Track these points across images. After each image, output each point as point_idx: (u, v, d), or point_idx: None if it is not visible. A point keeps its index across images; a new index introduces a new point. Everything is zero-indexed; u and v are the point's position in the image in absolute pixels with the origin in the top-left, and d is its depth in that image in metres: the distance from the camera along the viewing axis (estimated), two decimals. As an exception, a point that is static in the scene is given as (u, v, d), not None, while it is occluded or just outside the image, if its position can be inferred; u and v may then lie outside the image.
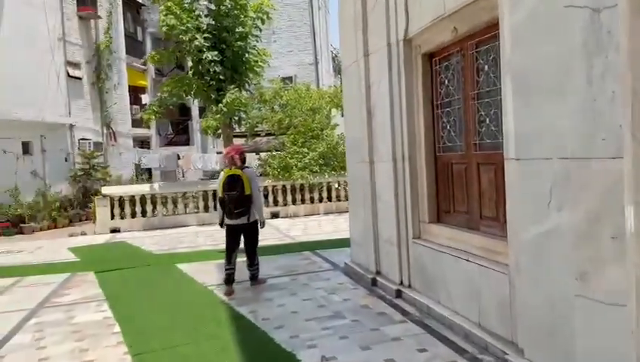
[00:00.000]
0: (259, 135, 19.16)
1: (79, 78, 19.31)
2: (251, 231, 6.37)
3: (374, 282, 6.10)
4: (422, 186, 5.37)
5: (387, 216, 5.82)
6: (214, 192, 13.80)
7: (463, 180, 4.79)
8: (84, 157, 18.31)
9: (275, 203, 14.58)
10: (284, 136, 15.42)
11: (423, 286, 5.24)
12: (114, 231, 13.28)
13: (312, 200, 14.79)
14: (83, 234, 13.44)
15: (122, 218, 13.49)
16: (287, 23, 26.03)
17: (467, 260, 4.38)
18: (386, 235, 5.91)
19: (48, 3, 17.81)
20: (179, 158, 16.33)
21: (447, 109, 5.01)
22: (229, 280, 6.27)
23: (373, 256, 6.20)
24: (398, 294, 5.54)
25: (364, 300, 5.58)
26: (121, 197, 13.47)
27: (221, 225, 6.42)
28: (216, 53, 13.67)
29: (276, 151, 15.00)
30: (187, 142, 26.19)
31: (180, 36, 13.63)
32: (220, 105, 13.26)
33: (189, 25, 13.44)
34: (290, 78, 24.83)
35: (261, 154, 15.94)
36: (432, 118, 5.27)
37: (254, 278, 6.57)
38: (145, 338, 4.76)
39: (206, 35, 13.54)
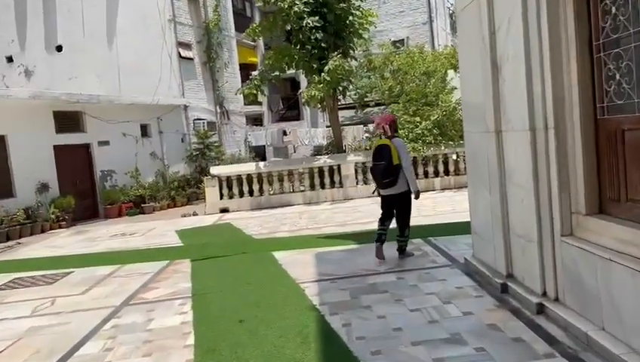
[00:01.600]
0: (369, 105, 17.93)
1: (191, 59, 19.57)
2: (401, 202, 6.30)
3: (505, 288, 4.70)
4: (575, 164, 3.83)
5: (523, 203, 4.36)
6: (320, 169, 13.00)
7: (644, 155, 3.21)
8: (199, 137, 18.62)
9: (386, 178, 13.32)
10: (393, 105, 14.01)
11: (577, 303, 3.77)
12: (223, 211, 13.12)
13: (426, 175, 13.32)
14: (195, 214, 13.49)
15: (230, 198, 13.28)
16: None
17: (657, 278, 2.87)
18: (520, 229, 4.46)
19: (157, -16, 18.07)
20: (285, 134, 15.79)
21: (617, 50, 3.40)
22: (380, 239, 6.34)
23: (503, 254, 4.78)
24: (540, 309, 4.11)
25: (492, 316, 4.24)
26: (228, 177, 13.23)
27: (375, 193, 6.64)
28: (317, 18, 12.63)
29: (385, 122, 13.64)
30: (297, 118, 25.80)
31: (279, 3, 12.80)
32: (323, 74, 12.25)
33: (286, -10, 12.54)
34: (401, 41, 23.12)
35: (369, 125, 14.72)
36: (590, 65, 3.67)
37: (402, 251, 6.45)
38: (215, 357, 3.96)
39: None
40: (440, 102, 13.36)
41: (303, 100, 12.25)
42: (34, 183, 13.56)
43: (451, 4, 30.37)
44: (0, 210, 12.39)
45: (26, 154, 13.43)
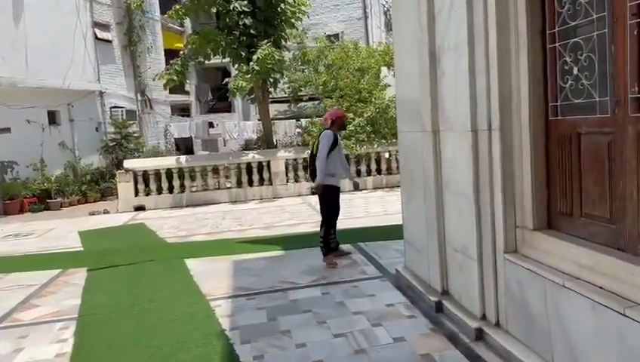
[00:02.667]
0: (302, 100, 17.28)
1: (109, 41, 17.97)
2: (320, 196, 6.09)
3: (440, 307, 4.19)
4: (522, 171, 3.34)
5: (461, 214, 3.85)
6: (248, 165, 12.18)
7: (603, 162, 2.75)
8: (116, 126, 17.11)
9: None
10: (326, 100, 13.43)
11: (522, 331, 3.29)
12: (138, 209, 11.96)
13: (358, 174, 12.85)
14: (105, 212, 12.22)
15: (147, 194, 12.13)
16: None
17: (620, 313, 2.39)
18: (458, 242, 3.95)
19: (71, -42, 16.36)
20: (211, 126, 14.79)
21: (576, 40, 2.91)
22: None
23: (438, 269, 4.27)
24: (479, 335, 3.61)
25: (426, 343, 3.69)
26: (145, 171, 12.07)
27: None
28: (245, 2, 11.74)
29: (317, 117, 13.05)
30: (229, 109, 24.65)
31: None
32: (252, 63, 11.40)
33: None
34: (336, 36, 22.62)
35: (302, 120, 14.07)
36: (542, 57, 3.18)
37: (323, 253, 6.08)
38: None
39: (233, -18, 11.63)
40: (374, 99, 12.93)
41: (230, 90, 11.33)
42: None
43: (386, 1, 30.40)
44: None
45: None
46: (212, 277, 5.76)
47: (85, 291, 5.62)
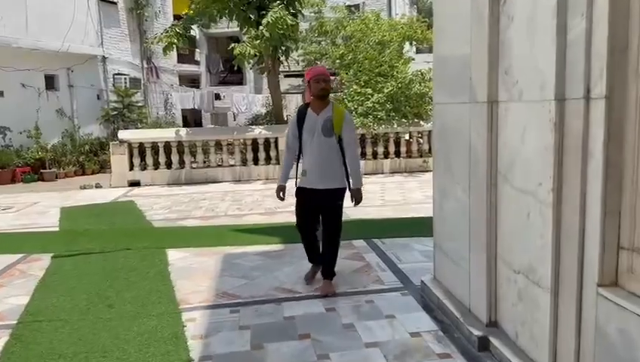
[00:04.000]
0: (318, 74, 15.96)
1: (114, 3, 16.82)
2: (333, 203, 4.27)
3: (484, 344, 3.07)
4: (638, 164, 2.17)
5: (528, 220, 2.69)
6: (253, 142, 11.07)
7: None
8: (118, 94, 16.08)
9: (329, 157, 11.59)
10: (343, 74, 12.20)
11: (622, 407, 2.16)
12: (133, 184, 10.96)
13: (374, 156, 11.68)
14: (98, 186, 11.24)
15: (143, 169, 11.11)
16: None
17: None
18: (519, 260, 2.81)
19: None
20: (218, 98, 13.67)
21: None
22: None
23: (484, 291, 3.14)
24: (549, 400, 2.49)
25: (470, 404, 2.58)
26: (141, 143, 11.02)
27: None
28: (257, -41, 10.49)
29: (333, 92, 11.83)
30: (241, 82, 23.45)
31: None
32: (261, 27, 10.19)
33: None
34: (356, 7, 21.17)
35: (314, 95, 12.83)
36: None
37: (330, 278, 4.27)
38: None
39: None
40: (395, 73, 11.66)
41: (234, 56, 10.15)
42: None
43: (412, -27, 28.60)
44: None
45: None
46: (193, 276, 4.70)
47: (39, 287, 4.60)
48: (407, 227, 6.20)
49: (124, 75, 16.87)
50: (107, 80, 16.41)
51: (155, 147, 11.04)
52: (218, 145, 11.33)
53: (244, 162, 11.36)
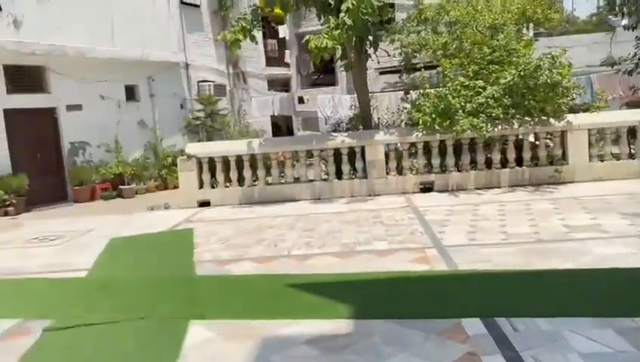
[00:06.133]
0: (416, 68, 13.89)
1: (196, 6, 15.97)
2: None
3: None
4: None
5: None
6: (336, 152, 9.24)
7: None
8: (201, 102, 15.17)
9: (428, 168, 9.40)
10: (446, 63, 9.91)
11: None
12: (203, 204, 9.66)
13: (488, 165, 9.25)
14: (166, 207, 10.12)
15: (213, 187, 9.77)
16: None
17: None
18: None
19: None
20: (301, 102, 12.09)
21: None
22: None
23: None
24: None
25: None
26: (211, 158, 9.68)
27: None
28: None
29: (432, 87, 9.61)
30: (333, 83, 21.79)
31: None
32: (341, 14, 8.31)
33: None
34: (462, -11, 18.50)
35: (411, 93, 10.71)
36: None
37: None
38: None
39: None
40: (516, 58, 9.12)
41: (309, 50, 8.39)
42: (-28, 157, 10.63)
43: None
44: None
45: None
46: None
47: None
48: (553, 291, 3.95)
49: (209, 81, 15.94)
50: (191, 88, 15.58)
51: (225, 161, 9.65)
52: (295, 157, 9.64)
53: (325, 176, 9.58)
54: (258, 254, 5.96)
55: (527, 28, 15.62)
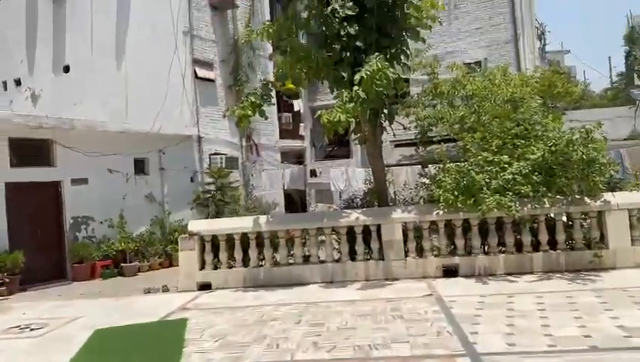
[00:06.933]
0: (433, 141, 13.42)
1: (211, 80, 15.95)
2: None
3: None
4: None
5: None
6: (349, 230, 8.48)
7: None
8: (211, 175, 14.73)
9: (451, 249, 8.54)
10: (467, 137, 9.32)
11: None
12: (203, 287, 8.85)
13: (518, 247, 8.36)
14: (165, 290, 9.34)
15: (215, 267, 9.01)
16: (472, -7, 19.66)
17: None
18: None
19: (172, -11, 14.80)
20: (313, 175, 11.56)
21: None
22: None
23: None
24: None
25: None
26: (214, 236, 8.99)
27: None
28: (350, 4, 8.39)
29: (452, 162, 8.96)
30: (348, 155, 21.40)
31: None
32: (355, 87, 7.86)
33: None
34: (477, 63, 18.45)
35: (429, 167, 10.07)
36: None
37: None
38: None
39: (333, -24, 8.40)
40: (543, 132, 8.48)
41: (323, 124, 7.89)
42: (-33, 233, 10.11)
43: (540, 23, 25.18)
44: None
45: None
46: None
47: None
48: None
49: (221, 154, 15.61)
50: (202, 160, 15.22)
51: (230, 240, 8.93)
52: (305, 235, 8.89)
53: (337, 257, 8.76)
54: (255, 358, 5.06)
55: (545, 103, 15.23)
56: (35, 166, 11.39)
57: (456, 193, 8.12)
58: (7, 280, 10.19)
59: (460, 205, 8.12)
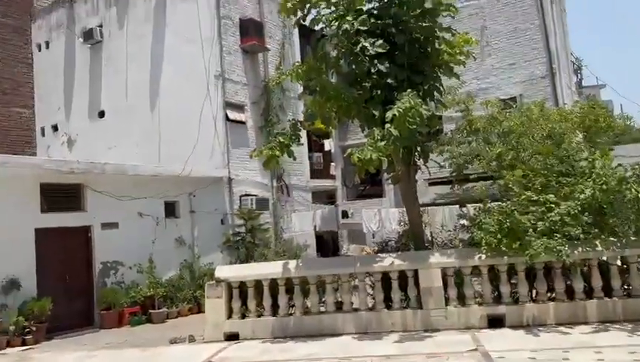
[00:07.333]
0: (469, 179, 12.92)
1: (242, 123, 15.96)
2: None
3: None
4: None
5: None
6: (384, 276, 7.98)
7: None
8: (242, 217, 14.50)
9: (496, 296, 7.88)
10: (507, 175, 8.79)
11: None
12: (230, 337, 8.41)
13: (569, 295, 7.64)
14: (191, 340, 8.96)
15: (243, 316, 8.58)
16: (506, 28, 19.33)
17: None
18: None
19: (204, 34, 15.06)
20: (345, 216, 11.16)
21: None
22: None
23: None
24: None
25: None
26: (242, 283, 8.61)
27: None
28: (381, 41, 8.17)
29: (492, 201, 8.41)
30: (381, 195, 20.92)
31: (328, 26, 8.67)
32: (387, 125, 7.54)
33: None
34: (512, 99, 17.94)
35: (467, 207, 9.52)
36: None
37: None
38: None
39: (363, 16, 8.24)
40: (593, 168, 7.87)
41: (354, 163, 7.53)
42: (-3, 280, 10.03)
43: (576, 58, 24.63)
44: None
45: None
46: None
47: None
48: None
49: (252, 195, 15.41)
50: (233, 202, 15.05)
51: (258, 286, 8.54)
52: (337, 281, 8.41)
53: (372, 305, 8.22)
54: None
55: (585, 137, 14.58)
56: (66, 211, 11.39)
57: (499, 236, 7.54)
58: (33, 328, 10.01)
59: (504, 249, 7.53)
